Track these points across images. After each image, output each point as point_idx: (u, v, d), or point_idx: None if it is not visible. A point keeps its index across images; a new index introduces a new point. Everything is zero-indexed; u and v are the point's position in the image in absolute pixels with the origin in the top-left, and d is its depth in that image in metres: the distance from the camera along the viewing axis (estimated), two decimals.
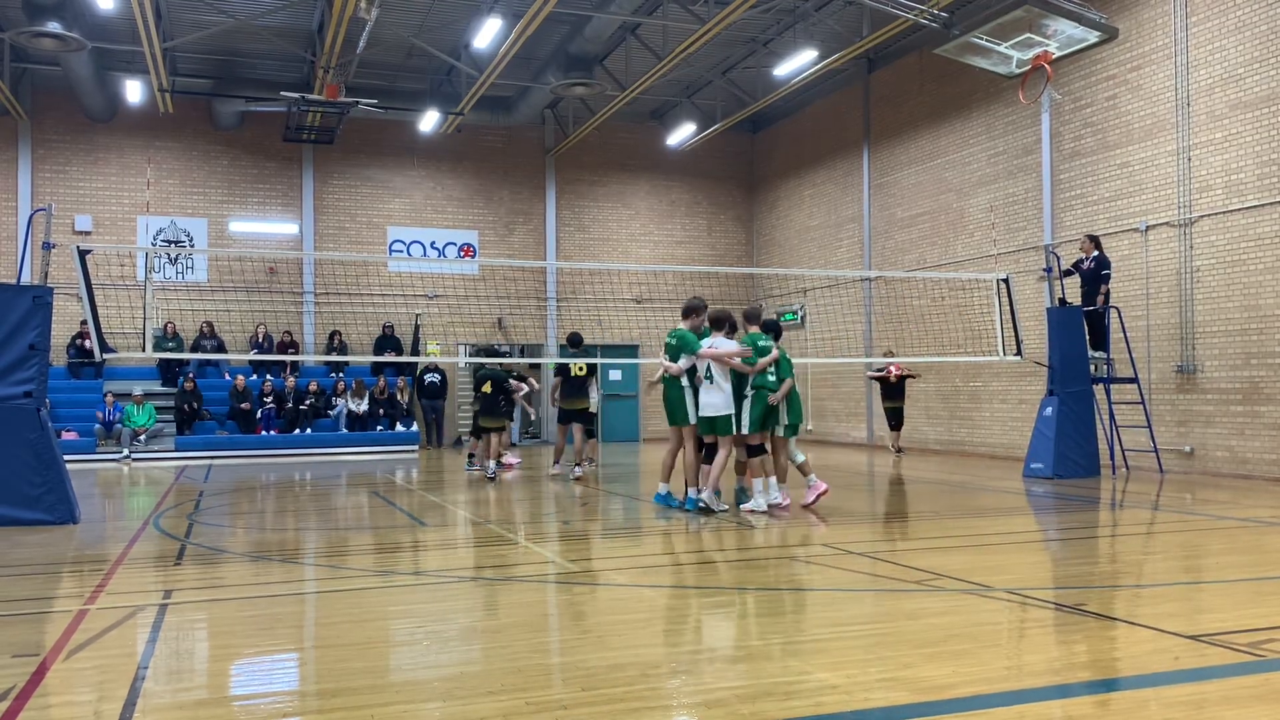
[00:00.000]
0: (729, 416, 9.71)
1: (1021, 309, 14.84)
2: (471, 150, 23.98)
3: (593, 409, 14.60)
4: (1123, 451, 14.39)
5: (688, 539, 8.68)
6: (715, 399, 9.71)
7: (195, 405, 19.92)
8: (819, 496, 10.21)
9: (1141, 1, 14.99)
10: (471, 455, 15.85)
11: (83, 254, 10.50)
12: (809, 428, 18.48)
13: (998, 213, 17.91)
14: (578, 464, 14.14)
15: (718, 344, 9.82)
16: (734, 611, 5.90)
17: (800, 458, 10.44)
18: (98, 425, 19.06)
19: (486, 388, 14.30)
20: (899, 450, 17.74)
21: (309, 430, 20.44)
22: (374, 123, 22.78)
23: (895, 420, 18.16)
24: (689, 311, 10.39)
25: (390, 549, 8.48)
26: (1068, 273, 14.26)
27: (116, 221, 21.49)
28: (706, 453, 10.09)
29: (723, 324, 9.98)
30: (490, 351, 17.23)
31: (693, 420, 10.02)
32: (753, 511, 9.76)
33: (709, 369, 9.69)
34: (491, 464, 14.25)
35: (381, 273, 23.09)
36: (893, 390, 17.79)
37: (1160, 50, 14.70)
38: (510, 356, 17.80)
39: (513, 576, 7.11)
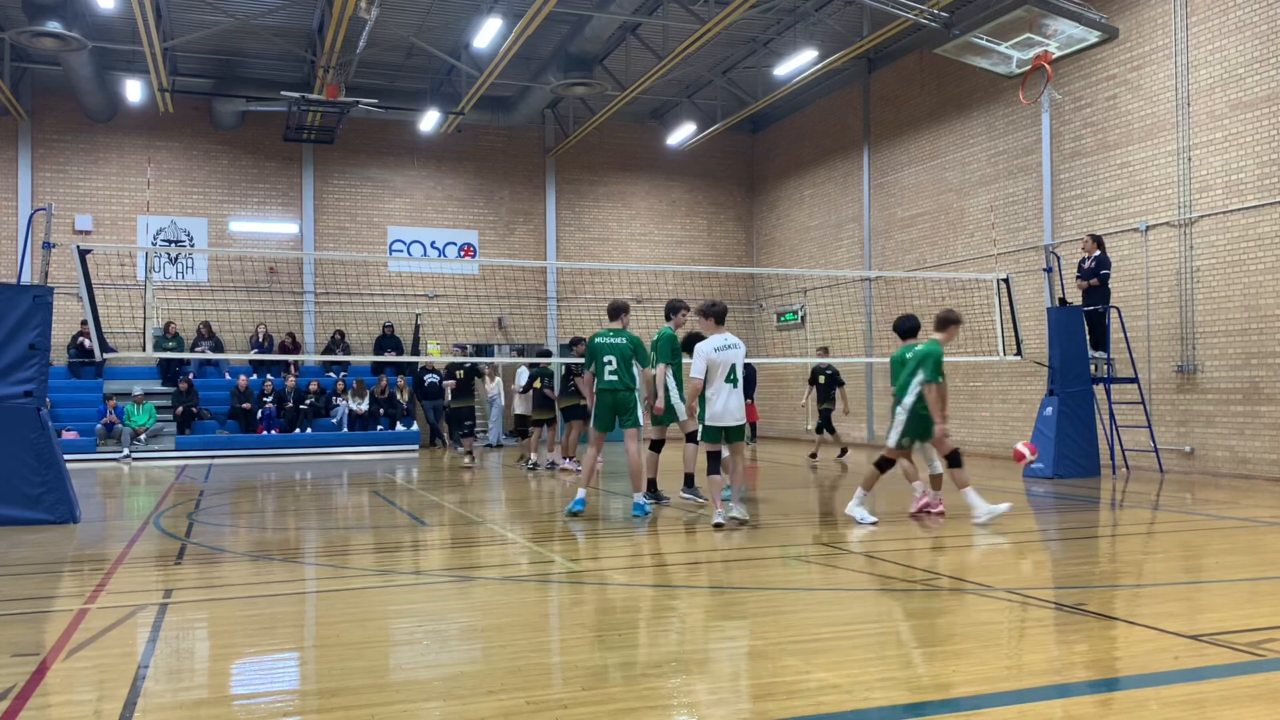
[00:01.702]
0: (743, 424, 9.26)
1: (1021, 309, 14.84)
2: (472, 150, 23.98)
3: (518, 408, 15.61)
4: (1123, 451, 14.39)
5: (688, 539, 8.67)
6: (733, 404, 9.17)
7: (193, 407, 19.92)
8: (926, 508, 9.58)
9: (1141, 1, 14.99)
10: (523, 456, 16.45)
11: (83, 253, 10.52)
12: (809, 427, 18.34)
13: (998, 213, 17.91)
14: (567, 456, 15.19)
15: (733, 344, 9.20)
16: (734, 611, 5.90)
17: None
18: (98, 425, 19.06)
19: (537, 384, 15.34)
20: (842, 452, 17.18)
21: (309, 430, 20.45)
22: (374, 122, 22.79)
23: (828, 423, 17.10)
24: (671, 311, 10.23)
25: (390, 548, 8.48)
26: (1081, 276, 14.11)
27: (116, 221, 21.50)
28: (710, 460, 9.47)
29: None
30: (544, 353, 18.54)
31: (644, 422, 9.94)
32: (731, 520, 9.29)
33: (731, 371, 9.02)
34: (551, 456, 15.51)
35: (382, 272, 23.10)
36: (823, 392, 17.23)
37: (1160, 50, 14.70)
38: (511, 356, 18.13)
39: (513, 576, 7.11)
